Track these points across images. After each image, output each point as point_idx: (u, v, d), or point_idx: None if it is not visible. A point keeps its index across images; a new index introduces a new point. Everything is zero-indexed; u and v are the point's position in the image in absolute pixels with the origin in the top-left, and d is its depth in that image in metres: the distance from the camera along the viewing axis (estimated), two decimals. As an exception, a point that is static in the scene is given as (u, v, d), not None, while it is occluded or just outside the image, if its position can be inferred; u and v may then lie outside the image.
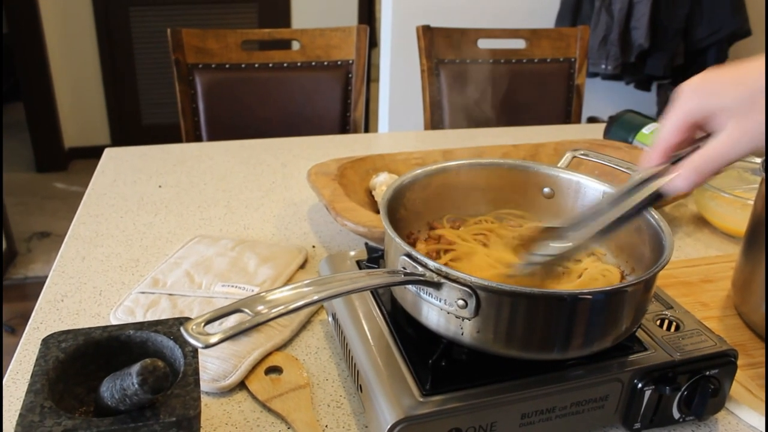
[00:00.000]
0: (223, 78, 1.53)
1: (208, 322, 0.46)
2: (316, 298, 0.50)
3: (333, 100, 1.62)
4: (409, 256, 0.56)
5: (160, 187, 1.10)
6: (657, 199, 0.52)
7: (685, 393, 0.60)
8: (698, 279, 0.85)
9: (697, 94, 0.49)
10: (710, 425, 0.64)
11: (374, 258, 0.73)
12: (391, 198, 0.66)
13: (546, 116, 1.76)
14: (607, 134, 1.28)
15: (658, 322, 0.65)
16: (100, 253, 0.89)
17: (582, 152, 0.77)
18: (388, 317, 0.64)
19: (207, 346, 0.44)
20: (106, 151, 1.25)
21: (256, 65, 1.55)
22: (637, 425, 0.61)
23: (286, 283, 0.70)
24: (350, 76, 1.61)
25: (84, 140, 3.43)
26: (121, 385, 0.47)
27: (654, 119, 1.24)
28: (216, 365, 0.66)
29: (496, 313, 0.53)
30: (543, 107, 1.77)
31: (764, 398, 0.64)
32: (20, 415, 0.46)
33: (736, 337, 0.73)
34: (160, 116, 3.47)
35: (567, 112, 1.79)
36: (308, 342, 0.73)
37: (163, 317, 0.72)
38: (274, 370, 0.68)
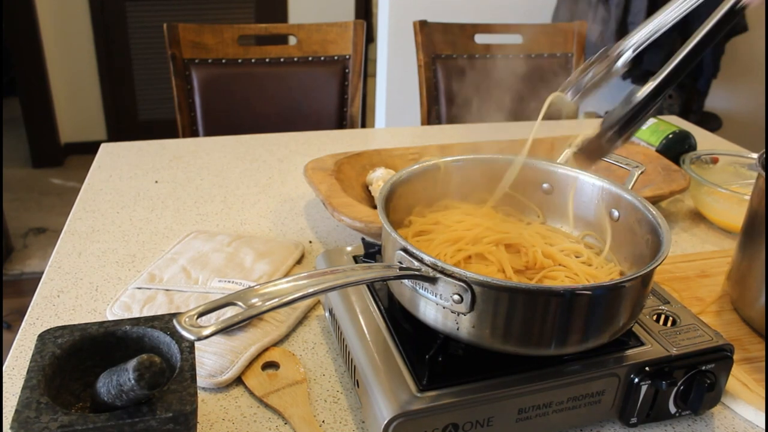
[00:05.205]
0: (220, 73, 1.53)
1: (201, 314, 0.46)
2: (310, 291, 0.49)
3: (330, 95, 1.61)
4: (405, 250, 0.56)
5: (156, 182, 1.10)
6: (735, 15, 0.49)
7: (682, 388, 0.60)
8: (695, 274, 0.85)
9: None
10: (706, 420, 0.64)
11: (371, 253, 0.73)
12: (388, 193, 0.66)
13: (543, 111, 1.76)
14: (604, 129, 1.28)
15: (655, 317, 0.65)
16: (96, 249, 0.89)
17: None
18: (385, 313, 0.64)
19: (199, 338, 0.44)
20: (103, 146, 1.24)
21: (253, 60, 1.55)
22: (634, 420, 0.61)
23: (282, 279, 0.70)
24: (347, 71, 1.60)
25: (80, 136, 3.42)
26: (118, 381, 0.47)
27: (651, 114, 1.24)
28: (213, 361, 0.66)
29: (491, 309, 0.53)
30: (540, 102, 1.77)
31: (761, 393, 0.64)
32: (16, 411, 0.46)
33: (732, 332, 0.74)
34: (157, 111, 3.46)
35: (564, 107, 1.79)
36: (305, 337, 0.73)
37: (160, 313, 0.72)
38: (271, 365, 0.68)
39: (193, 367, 0.52)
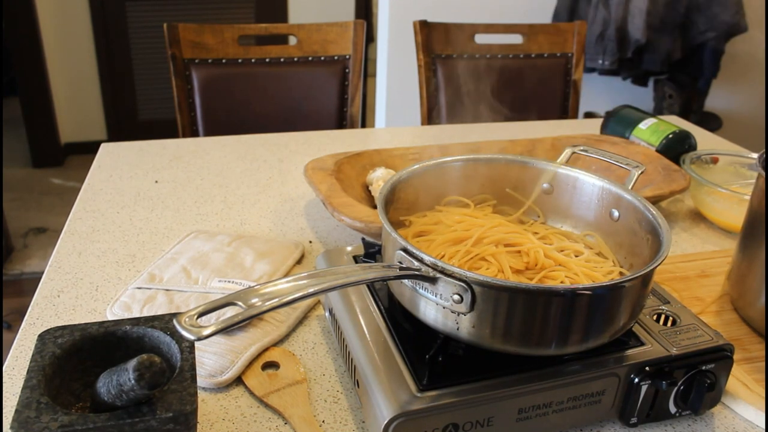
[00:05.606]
0: (220, 73, 1.53)
1: (201, 314, 0.46)
2: (311, 291, 0.49)
3: (330, 95, 1.61)
4: (405, 250, 0.56)
5: (156, 182, 1.10)
6: None
7: (682, 388, 0.60)
8: (695, 274, 0.85)
9: None
10: (707, 420, 0.64)
11: (371, 253, 0.73)
12: (388, 193, 0.66)
13: (543, 111, 1.76)
14: (604, 129, 1.28)
15: (655, 317, 0.65)
16: (96, 249, 0.89)
17: (581, 148, 0.77)
18: (385, 313, 0.64)
19: (200, 338, 0.44)
20: (103, 146, 1.24)
21: (253, 60, 1.55)
22: (634, 420, 0.61)
23: (282, 279, 0.70)
24: (347, 71, 1.60)
25: (80, 136, 3.42)
26: (118, 381, 0.47)
27: (651, 114, 1.24)
28: (213, 361, 0.66)
29: (491, 309, 0.53)
30: (540, 102, 1.77)
31: (761, 393, 0.64)
32: (16, 411, 0.46)
33: (732, 332, 0.74)
34: (157, 111, 3.47)
35: (564, 107, 1.79)
36: (305, 337, 0.73)
37: (160, 313, 0.72)
38: (271, 365, 0.68)
39: (193, 367, 0.52)
